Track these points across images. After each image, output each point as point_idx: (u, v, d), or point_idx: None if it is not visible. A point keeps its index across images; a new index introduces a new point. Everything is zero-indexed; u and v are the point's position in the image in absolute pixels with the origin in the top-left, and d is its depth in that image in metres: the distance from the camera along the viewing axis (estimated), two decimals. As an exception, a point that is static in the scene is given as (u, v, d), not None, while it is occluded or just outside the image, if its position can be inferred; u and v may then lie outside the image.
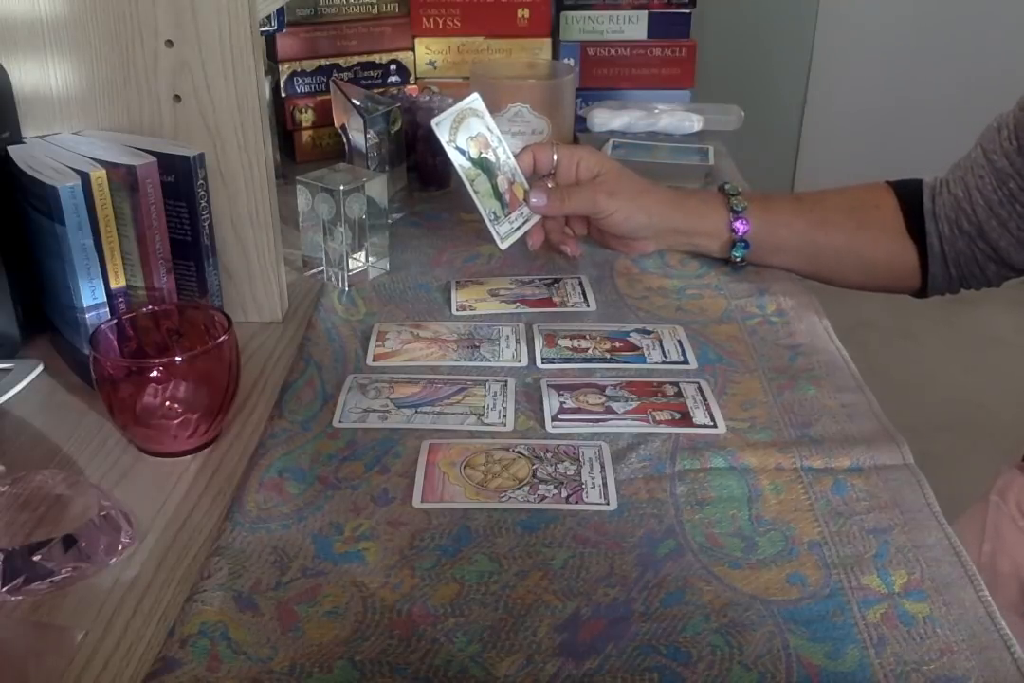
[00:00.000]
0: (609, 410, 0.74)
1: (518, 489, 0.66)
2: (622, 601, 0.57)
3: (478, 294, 0.92)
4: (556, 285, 0.94)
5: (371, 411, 0.74)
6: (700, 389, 0.77)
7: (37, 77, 0.80)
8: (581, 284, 0.94)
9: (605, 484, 0.66)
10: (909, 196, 0.96)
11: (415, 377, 0.79)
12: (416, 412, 0.74)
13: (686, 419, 0.73)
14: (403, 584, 0.59)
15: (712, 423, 0.73)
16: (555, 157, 0.93)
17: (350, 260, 0.93)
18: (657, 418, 0.73)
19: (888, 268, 0.97)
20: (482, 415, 0.74)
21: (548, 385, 0.77)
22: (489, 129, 0.89)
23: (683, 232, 0.96)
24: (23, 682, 0.53)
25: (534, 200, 0.91)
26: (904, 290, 0.99)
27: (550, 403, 0.75)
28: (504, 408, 0.75)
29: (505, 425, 0.73)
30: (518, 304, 0.90)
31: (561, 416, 0.74)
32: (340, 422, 0.73)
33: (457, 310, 0.89)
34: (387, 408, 0.74)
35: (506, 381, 0.78)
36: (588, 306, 0.90)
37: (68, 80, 0.80)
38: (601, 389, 0.77)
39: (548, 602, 0.57)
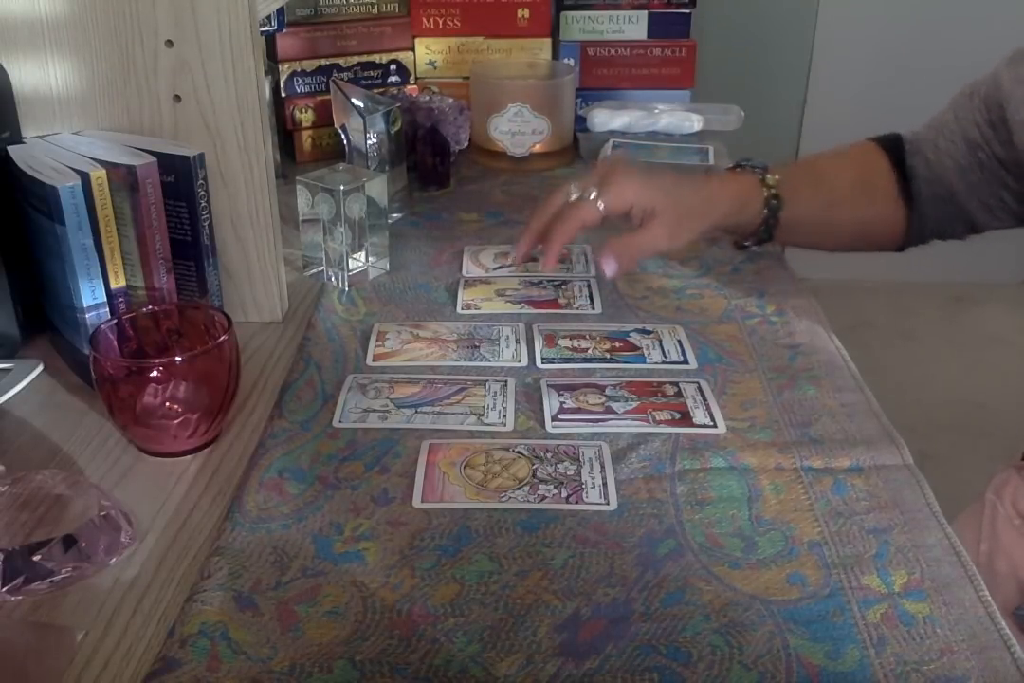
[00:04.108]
0: (609, 410, 0.74)
1: (518, 489, 0.66)
2: (622, 601, 0.57)
3: (484, 293, 0.92)
4: (564, 287, 0.93)
5: (371, 411, 0.74)
6: (700, 389, 0.77)
7: (37, 77, 0.80)
8: (589, 286, 0.93)
9: (605, 484, 0.66)
10: (896, 156, 0.98)
11: (415, 377, 0.78)
12: (416, 412, 0.74)
13: (686, 419, 0.73)
14: (403, 584, 0.59)
15: (712, 423, 0.73)
16: (600, 206, 0.85)
17: (350, 260, 0.93)
18: (657, 418, 0.73)
19: (878, 232, 0.99)
20: (482, 415, 0.74)
21: (548, 385, 0.77)
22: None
23: (730, 229, 0.95)
24: (23, 682, 0.53)
25: (608, 272, 0.84)
26: (886, 249, 1.01)
27: (550, 403, 0.75)
28: (504, 408, 0.75)
29: (505, 425, 0.73)
30: (523, 305, 0.90)
31: (561, 416, 0.74)
32: (340, 422, 0.73)
33: (462, 309, 0.89)
34: (387, 408, 0.74)
35: (506, 381, 0.78)
36: (594, 309, 0.90)
37: (68, 80, 0.80)
38: (601, 389, 0.77)
39: (548, 602, 0.57)
